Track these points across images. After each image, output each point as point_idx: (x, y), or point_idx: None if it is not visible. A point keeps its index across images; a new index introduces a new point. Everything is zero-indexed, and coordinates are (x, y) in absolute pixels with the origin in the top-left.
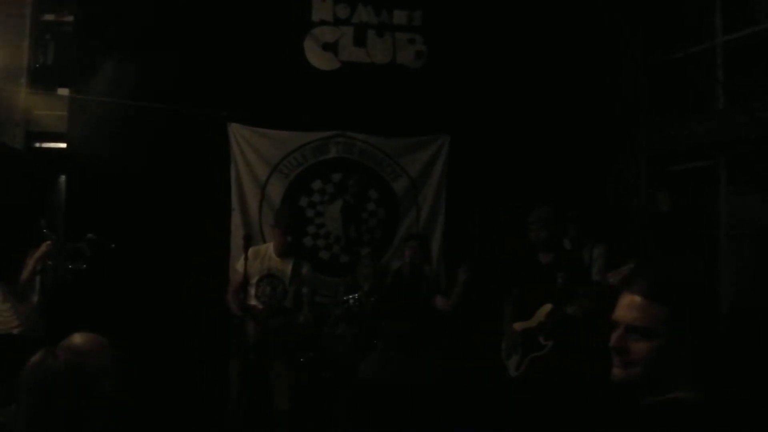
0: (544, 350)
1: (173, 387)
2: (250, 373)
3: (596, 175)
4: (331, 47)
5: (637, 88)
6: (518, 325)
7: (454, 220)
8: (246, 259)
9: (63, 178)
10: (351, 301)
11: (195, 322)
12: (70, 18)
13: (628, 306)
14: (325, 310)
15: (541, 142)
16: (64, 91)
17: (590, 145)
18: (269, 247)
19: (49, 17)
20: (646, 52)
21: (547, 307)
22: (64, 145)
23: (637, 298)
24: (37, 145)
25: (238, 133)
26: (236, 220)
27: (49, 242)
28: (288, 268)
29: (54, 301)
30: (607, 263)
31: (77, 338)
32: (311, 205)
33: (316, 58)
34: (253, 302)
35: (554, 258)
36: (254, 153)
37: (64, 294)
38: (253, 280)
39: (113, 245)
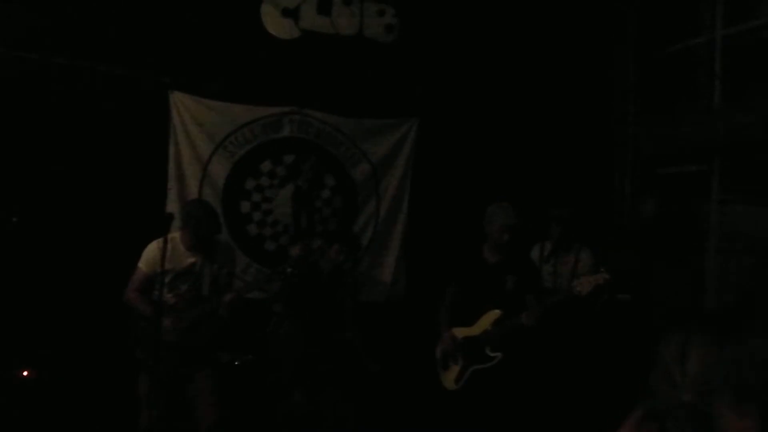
0: (491, 363)
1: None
2: (165, 384)
3: (578, 173)
4: (291, 13)
5: (627, 81)
6: (459, 332)
7: (417, 214)
8: (165, 243)
9: None
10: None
11: (115, 317)
12: None
13: None
14: (265, 304)
15: (519, 131)
16: None
17: (573, 139)
18: (176, 240)
19: None
20: (639, 43)
21: (495, 313)
22: None
23: None
24: None
25: (180, 102)
26: (172, 201)
27: None
28: (202, 260)
29: None
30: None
31: None
32: (258, 189)
33: (274, 24)
34: (166, 298)
35: (503, 258)
36: (197, 126)
37: None
38: (166, 279)
39: (15, 219)
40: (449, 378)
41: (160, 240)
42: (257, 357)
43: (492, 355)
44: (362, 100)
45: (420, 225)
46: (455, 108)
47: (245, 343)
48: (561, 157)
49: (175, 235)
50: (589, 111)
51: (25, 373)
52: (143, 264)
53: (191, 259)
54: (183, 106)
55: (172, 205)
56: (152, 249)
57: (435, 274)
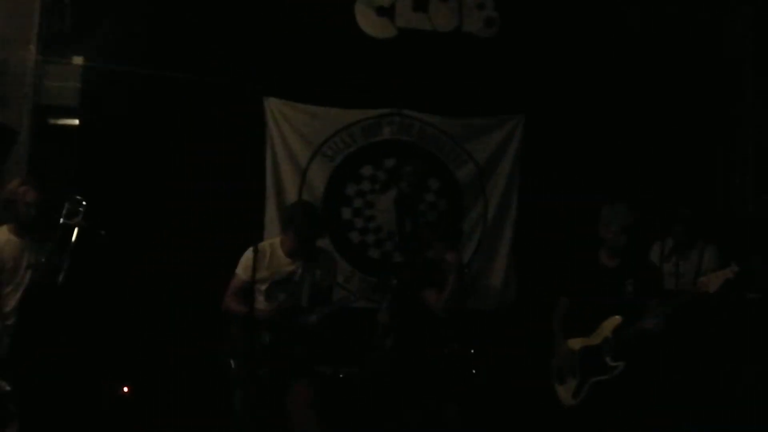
0: (613, 374)
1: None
2: (261, 397)
3: (694, 168)
4: (386, 12)
5: (749, 65)
6: (575, 342)
7: (528, 216)
8: (255, 253)
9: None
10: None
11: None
12: None
13: None
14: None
15: (630, 125)
16: (78, 60)
17: (689, 130)
18: (276, 246)
19: None
20: (754, 24)
21: (616, 319)
22: (76, 122)
23: None
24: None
25: (276, 108)
26: (271, 209)
27: None
28: (303, 268)
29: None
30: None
31: None
32: (360, 194)
33: (369, 24)
34: (262, 307)
35: (622, 261)
36: (294, 132)
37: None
38: (263, 287)
39: (103, 232)
40: (566, 392)
41: (260, 245)
42: (362, 370)
43: (613, 365)
44: (464, 99)
45: (531, 227)
46: (562, 103)
47: (350, 356)
48: (676, 150)
49: (275, 240)
50: (706, 99)
51: (125, 389)
52: (240, 270)
53: (291, 267)
54: (278, 112)
55: (271, 214)
56: (249, 255)
57: (548, 280)
